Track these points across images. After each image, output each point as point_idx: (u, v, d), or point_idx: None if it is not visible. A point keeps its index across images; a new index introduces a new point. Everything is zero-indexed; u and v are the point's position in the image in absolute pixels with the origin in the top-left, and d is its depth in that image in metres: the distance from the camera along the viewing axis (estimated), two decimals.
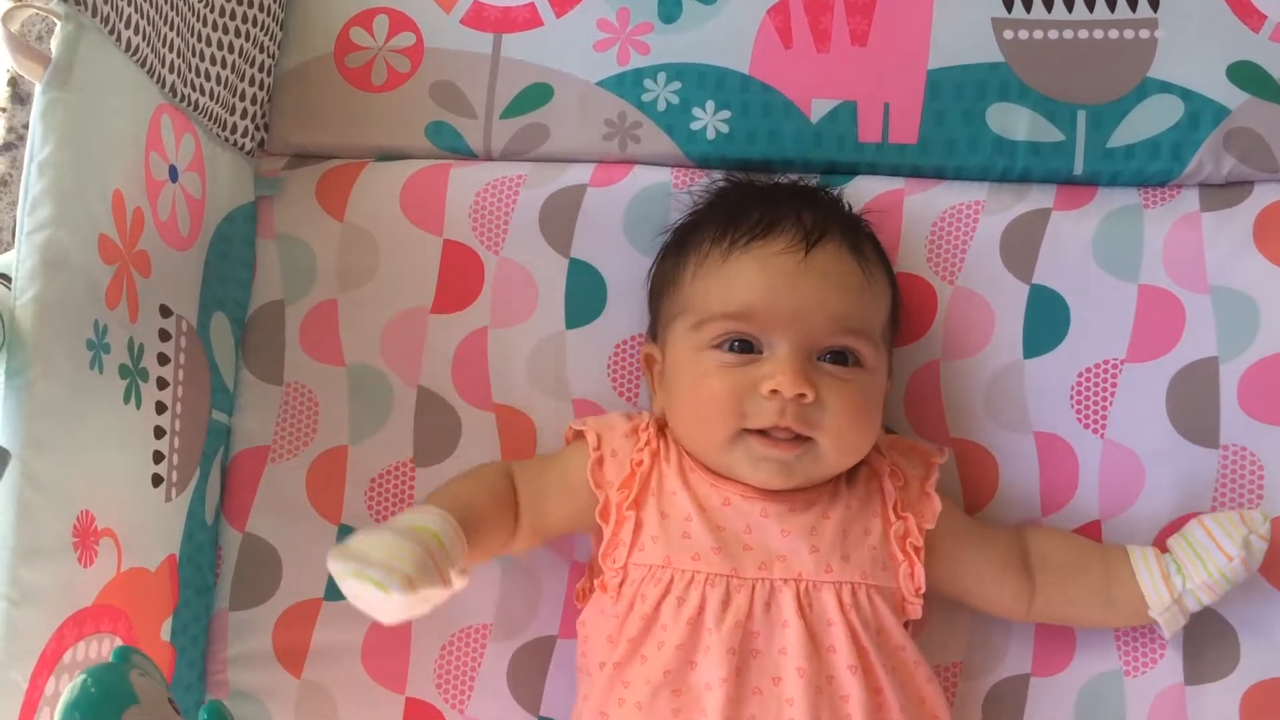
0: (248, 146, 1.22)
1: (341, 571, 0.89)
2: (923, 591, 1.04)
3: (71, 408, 0.88)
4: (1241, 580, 1.06)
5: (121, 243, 0.95)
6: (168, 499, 1.04)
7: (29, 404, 0.83)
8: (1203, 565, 1.05)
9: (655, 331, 1.13)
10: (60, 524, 0.87)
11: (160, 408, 1.02)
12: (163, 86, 1.04)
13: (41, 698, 0.83)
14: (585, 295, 1.20)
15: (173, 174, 1.06)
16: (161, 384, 1.03)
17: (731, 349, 1.03)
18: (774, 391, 0.99)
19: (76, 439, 0.88)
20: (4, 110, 1.36)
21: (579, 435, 1.12)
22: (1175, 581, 1.06)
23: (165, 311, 1.04)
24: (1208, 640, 1.11)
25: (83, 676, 0.62)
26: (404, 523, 0.96)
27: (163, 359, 1.03)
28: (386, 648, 1.16)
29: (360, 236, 1.21)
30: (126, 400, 0.96)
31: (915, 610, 1.05)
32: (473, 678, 1.15)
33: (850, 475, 1.07)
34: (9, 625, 0.81)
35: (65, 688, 0.82)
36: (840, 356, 1.03)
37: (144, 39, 0.99)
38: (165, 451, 1.03)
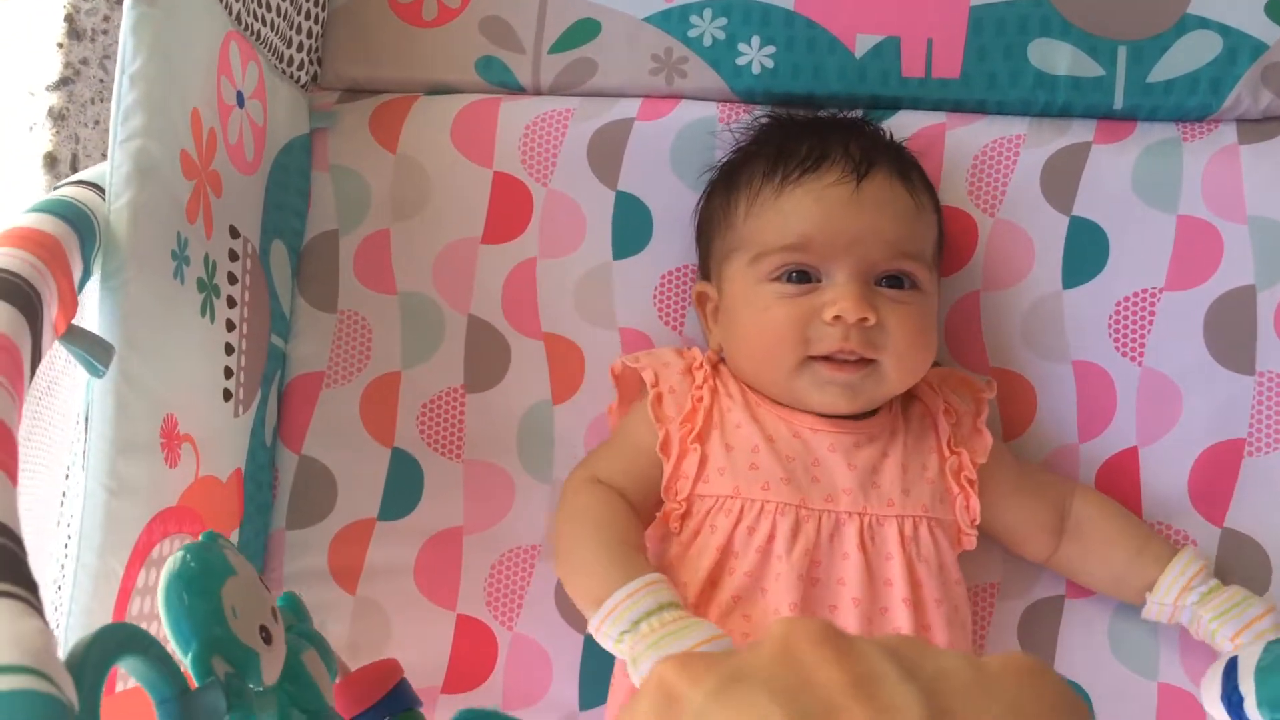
0: (303, 80, 1.24)
1: None
2: (978, 523, 1.07)
3: (159, 313, 0.90)
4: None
5: (199, 160, 0.97)
6: (236, 415, 1.06)
7: (125, 304, 0.86)
8: (1230, 618, 1.05)
9: (706, 269, 1.15)
10: (150, 423, 0.89)
11: (230, 325, 1.04)
12: (229, 14, 1.06)
13: (134, 588, 0.85)
14: (631, 227, 1.21)
15: (239, 100, 1.08)
16: (231, 302, 1.05)
17: (790, 280, 1.05)
18: (837, 318, 1.02)
19: (162, 344, 0.91)
20: (61, 46, 1.38)
21: (624, 373, 1.14)
22: (1190, 595, 1.07)
23: (234, 233, 1.06)
24: (1240, 560, 1.14)
25: (181, 553, 0.64)
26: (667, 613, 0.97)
27: (232, 278, 1.05)
28: (438, 567, 1.18)
29: (412, 168, 1.23)
30: (203, 313, 0.99)
31: (970, 541, 1.07)
32: (522, 596, 1.18)
33: (906, 414, 1.10)
34: (108, 514, 0.83)
35: (157, 580, 0.85)
36: (896, 280, 1.05)
37: None
38: (234, 369, 1.05)
